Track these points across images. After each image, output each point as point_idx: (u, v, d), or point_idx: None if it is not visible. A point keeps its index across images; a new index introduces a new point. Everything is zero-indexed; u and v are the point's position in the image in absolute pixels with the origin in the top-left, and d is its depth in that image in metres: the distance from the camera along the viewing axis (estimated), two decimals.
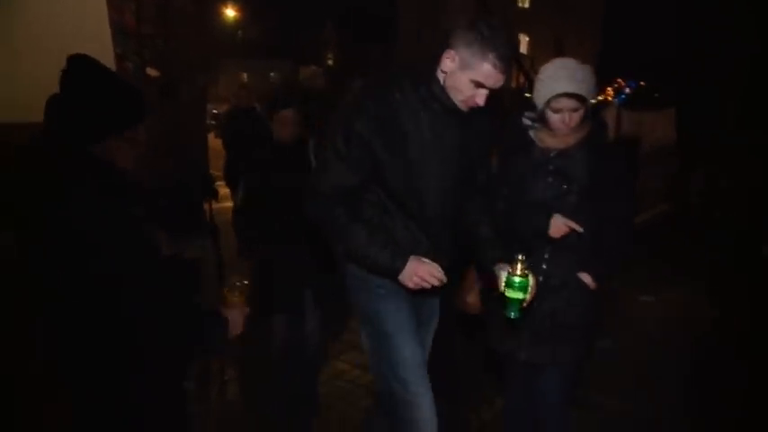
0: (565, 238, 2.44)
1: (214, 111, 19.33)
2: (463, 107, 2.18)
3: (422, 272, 2.16)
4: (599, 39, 38.53)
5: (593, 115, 2.50)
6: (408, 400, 2.28)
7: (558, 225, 2.43)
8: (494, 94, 2.16)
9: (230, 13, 33.44)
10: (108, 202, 1.63)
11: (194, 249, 3.63)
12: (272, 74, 40.90)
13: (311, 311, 3.53)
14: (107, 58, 3.62)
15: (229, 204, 4.14)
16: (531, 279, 2.15)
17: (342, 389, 4.02)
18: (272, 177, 3.39)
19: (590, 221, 2.44)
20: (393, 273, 2.19)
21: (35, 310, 1.61)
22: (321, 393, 3.78)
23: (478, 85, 2.10)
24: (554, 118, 2.41)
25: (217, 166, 6.58)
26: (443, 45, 2.13)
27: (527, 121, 2.58)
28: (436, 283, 2.19)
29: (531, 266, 2.17)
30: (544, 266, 2.51)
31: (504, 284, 2.18)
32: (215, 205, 4.07)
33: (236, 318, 1.90)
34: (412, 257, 2.18)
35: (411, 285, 2.19)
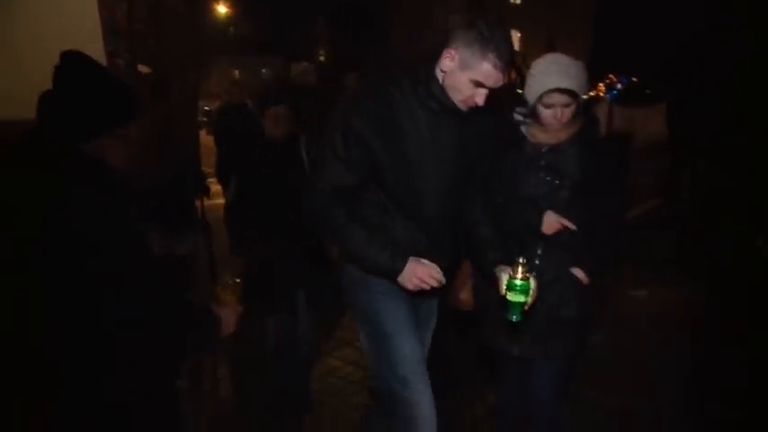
0: (557, 234, 2.45)
1: (206, 107, 19.22)
2: (462, 107, 2.16)
3: (421, 273, 2.16)
4: (591, 35, 38.57)
5: (584, 111, 2.51)
6: (407, 398, 2.27)
7: (551, 222, 2.43)
8: (493, 94, 2.14)
9: (222, 9, 33.34)
10: (104, 201, 1.62)
11: (186, 246, 3.62)
12: (263, 70, 40.72)
13: (304, 311, 3.53)
14: (100, 56, 3.61)
15: (221, 201, 4.13)
16: (532, 282, 2.15)
17: (334, 385, 4.02)
18: (263, 174, 3.38)
19: (582, 217, 2.45)
20: (392, 274, 2.18)
21: (34, 309, 1.60)
22: (314, 390, 3.77)
23: (478, 84, 2.09)
24: (546, 113, 2.41)
25: (208, 163, 6.55)
26: (442, 44, 2.11)
27: (519, 117, 2.58)
28: (435, 284, 2.18)
29: (531, 269, 2.16)
30: (537, 262, 2.51)
31: (505, 288, 2.17)
32: (206, 202, 4.06)
33: (228, 316, 1.90)
34: (411, 258, 2.17)
35: (410, 287, 2.19)
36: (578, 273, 2.51)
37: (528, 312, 2.21)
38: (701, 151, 10.00)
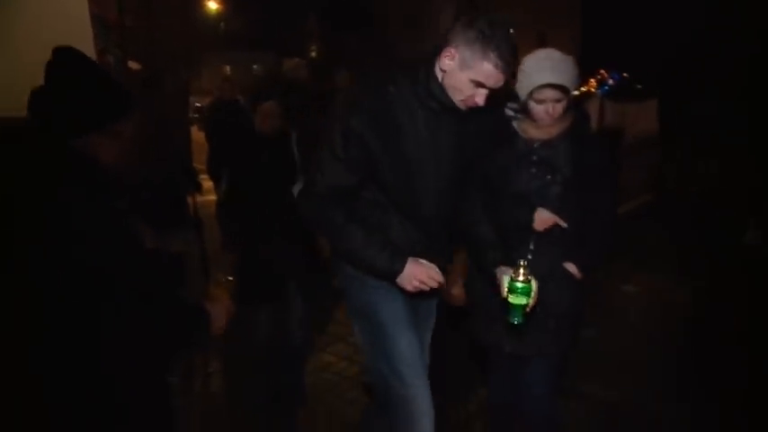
0: (550, 230, 2.46)
1: (197, 104, 19.15)
2: (462, 107, 2.12)
3: (420, 274, 2.15)
4: (581, 30, 38.62)
5: (576, 106, 2.51)
6: (404, 393, 2.25)
7: (544, 218, 2.44)
8: (493, 94, 2.11)
9: (213, 5, 33.18)
10: (95, 198, 1.62)
11: (178, 243, 3.61)
12: (255, 66, 40.58)
13: (294, 301, 3.52)
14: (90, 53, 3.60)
15: (213, 198, 4.12)
16: (533, 284, 2.13)
17: (328, 381, 4.02)
18: (255, 170, 3.38)
19: (574, 212, 2.45)
20: (391, 275, 2.17)
21: (34, 309, 1.59)
22: (307, 385, 3.77)
23: (478, 84, 2.05)
24: (537, 109, 2.41)
25: (200, 160, 6.53)
26: (441, 43, 2.08)
27: (510, 112, 2.58)
28: (435, 285, 2.17)
29: (533, 271, 2.16)
30: (529, 257, 2.51)
31: (506, 290, 2.16)
32: (198, 198, 4.05)
33: (219, 312, 1.90)
34: (410, 259, 2.16)
35: (410, 288, 2.17)
36: (571, 268, 2.52)
37: (530, 314, 2.20)
38: (701, 151, 10.06)
